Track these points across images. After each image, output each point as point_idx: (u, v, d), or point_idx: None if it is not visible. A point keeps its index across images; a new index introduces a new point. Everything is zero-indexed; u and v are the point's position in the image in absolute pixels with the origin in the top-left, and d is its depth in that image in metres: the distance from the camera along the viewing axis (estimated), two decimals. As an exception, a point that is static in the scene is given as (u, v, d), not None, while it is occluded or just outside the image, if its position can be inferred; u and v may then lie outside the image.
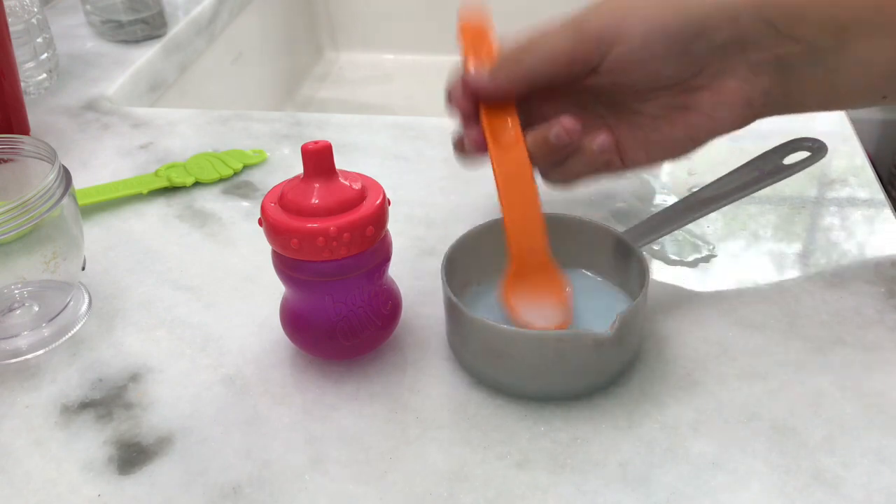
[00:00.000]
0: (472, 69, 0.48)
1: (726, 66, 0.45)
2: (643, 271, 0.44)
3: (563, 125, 0.45)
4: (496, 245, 0.46)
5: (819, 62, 0.45)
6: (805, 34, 0.44)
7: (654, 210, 0.56)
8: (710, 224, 0.55)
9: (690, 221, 0.49)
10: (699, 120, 0.46)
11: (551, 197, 0.57)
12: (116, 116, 0.72)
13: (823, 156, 0.49)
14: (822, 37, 0.44)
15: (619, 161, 0.48)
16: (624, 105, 0.48)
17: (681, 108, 0.47)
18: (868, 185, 0.58)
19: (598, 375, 0.43)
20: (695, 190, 0.50)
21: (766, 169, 0.49)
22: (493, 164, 0.46)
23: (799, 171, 0.49)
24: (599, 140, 0.46)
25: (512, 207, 0.45)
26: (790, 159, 0.50)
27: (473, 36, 0.50)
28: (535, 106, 0.48)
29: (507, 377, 0.43)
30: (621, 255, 0.47)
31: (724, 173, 0.50)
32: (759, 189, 0.49)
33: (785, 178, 0.49)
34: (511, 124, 0.47)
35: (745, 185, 0.49)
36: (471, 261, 0.47)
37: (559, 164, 0.47)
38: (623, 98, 0.47)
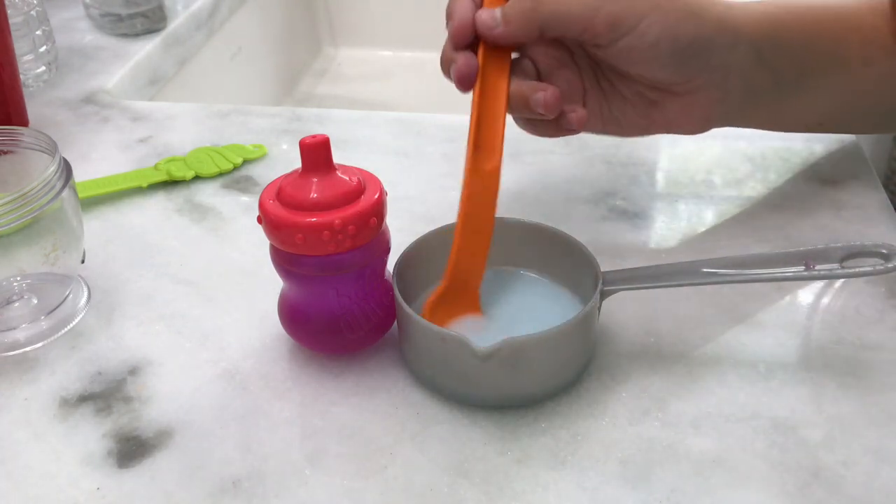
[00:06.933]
0: (482, 10, 0.46)
1: (707, 83, 0.47)
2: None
3: (545, 99, 0.45)
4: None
5: (778, 92, 0.50)
6: (778, 66, 0.49)
7: (654, 209, 0.56)
8: (706, 226, 0.55)
9: (691, 285, 0.44)
10: (660, 118, 0.49)
11: (553, 195, 0.58)
12: (116, 110, 0.72)
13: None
14: (789, 70, 0.49)
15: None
16: (605, 77, 0.49)
17: (650, 102, 0.49)
18: (867, 184, 0.58)
19: (487, 390, 0.42)
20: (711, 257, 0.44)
21: (817, 265, 0.42)
22: (463, 189, 0.44)
23: (858, 276, 0.44)
24: (576, 116, 0.47)
25: (466, 237, 0.44)
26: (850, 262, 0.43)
27: None
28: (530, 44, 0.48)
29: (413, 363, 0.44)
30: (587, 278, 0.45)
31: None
32: (792, 280, 0.45)
33: (834, 279, 0.45)
34: (498, 118, 0.45)
35: (780, 271, 0.43)
36: (420, 268, 0.46)
37: (529, 119, 0.48)
38: (607, 72, 0.49)
